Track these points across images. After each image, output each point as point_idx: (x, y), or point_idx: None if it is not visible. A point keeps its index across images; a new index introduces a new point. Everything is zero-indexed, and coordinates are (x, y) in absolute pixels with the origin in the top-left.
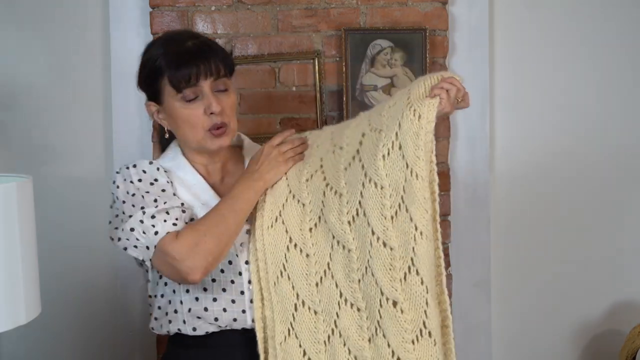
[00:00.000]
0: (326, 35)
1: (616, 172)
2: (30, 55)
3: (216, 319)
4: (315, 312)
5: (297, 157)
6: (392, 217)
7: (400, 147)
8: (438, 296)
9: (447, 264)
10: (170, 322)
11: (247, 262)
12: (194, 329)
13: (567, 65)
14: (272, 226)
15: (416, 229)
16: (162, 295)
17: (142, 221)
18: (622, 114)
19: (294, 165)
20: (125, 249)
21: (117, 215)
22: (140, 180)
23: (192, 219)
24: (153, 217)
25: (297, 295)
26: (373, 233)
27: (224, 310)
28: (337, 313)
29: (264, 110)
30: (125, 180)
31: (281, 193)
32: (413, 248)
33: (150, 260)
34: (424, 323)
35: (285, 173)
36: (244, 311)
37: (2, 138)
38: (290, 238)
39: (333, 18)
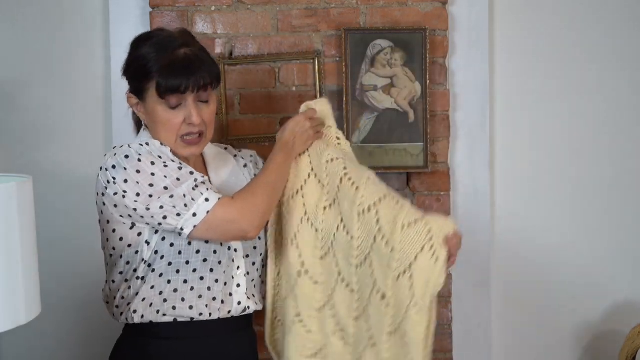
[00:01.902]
0: (326, 35)
1: (616, 172)
2: (30, 55)
3: (214, 299)
4: (315, 282)
5: (319, 134)
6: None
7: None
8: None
9: None
10: (165, 301)
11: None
12: (191, 307)
13: (567, 65)
14: (292, 197)
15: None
16: (160, 275)
17: (193, 189)
18: (623, 113)
19: (315, 140)
20: (165, 217)
21: (151, 185)
22: (160, 157)
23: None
24: (197, 186)
25: (303, 263)
26: (379, 231)
27: (228, 292)
28: (332, 288)
29: (264, 110)
30: (141, 155)
31: (304, 168)
32: (416, 256)
33: (195, 227)
34: (399, 324)
35: (307, 148)
36: (230, 294)
37: (2, 138)
38: (306, 211)
39: (333, 18)
